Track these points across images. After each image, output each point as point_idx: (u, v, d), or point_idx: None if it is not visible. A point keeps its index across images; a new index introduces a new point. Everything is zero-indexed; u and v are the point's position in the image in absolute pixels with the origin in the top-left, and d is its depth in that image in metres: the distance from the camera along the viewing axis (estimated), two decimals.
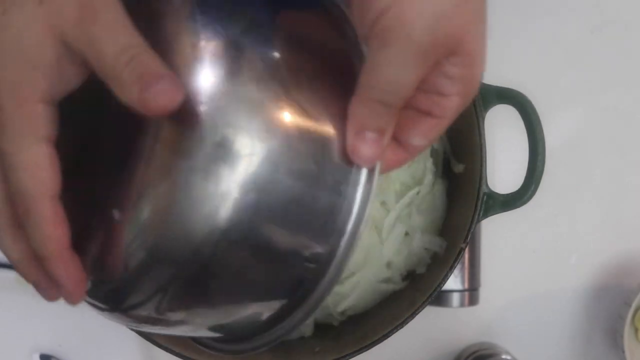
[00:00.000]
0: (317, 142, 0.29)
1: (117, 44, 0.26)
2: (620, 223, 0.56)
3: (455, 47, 0.28)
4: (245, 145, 0.28)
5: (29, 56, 0.27)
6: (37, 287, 0.29)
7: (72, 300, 0.29)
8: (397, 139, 0.30)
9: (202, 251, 0.28)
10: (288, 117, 0.29)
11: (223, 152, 0.28)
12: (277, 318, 0.32)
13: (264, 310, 0.32)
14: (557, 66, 0.56)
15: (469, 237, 0.45)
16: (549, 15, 0.56)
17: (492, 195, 0.45)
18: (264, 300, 0.31)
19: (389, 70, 0.27)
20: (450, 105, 0.29)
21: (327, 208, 0.29)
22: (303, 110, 0.29)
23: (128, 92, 0.26)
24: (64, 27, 0.27)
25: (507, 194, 0.45)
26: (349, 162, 0.29)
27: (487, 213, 0.45)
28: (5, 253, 0.29)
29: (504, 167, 0.53)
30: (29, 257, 0.29)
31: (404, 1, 0.26)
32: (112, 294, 0.31)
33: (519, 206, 0.44)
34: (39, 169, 0.27)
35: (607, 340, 0.55)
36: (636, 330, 0.52)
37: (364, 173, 0.30)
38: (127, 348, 0.53)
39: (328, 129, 0.30)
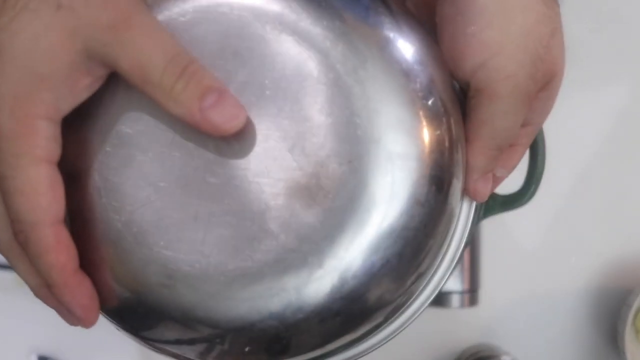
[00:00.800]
0: (442, 170, 0.28)
1: (162, 52, 0.25)
2: (620, 224, 0.55)
3: (547, 83, 0.29)
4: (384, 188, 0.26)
5: (38, 65, 0.25)
6: (59, 313, 0.28)
7: (84, 325, 0.28)
8: None
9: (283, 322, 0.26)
10: (433, 136, 0.27)
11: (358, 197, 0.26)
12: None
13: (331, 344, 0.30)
14: None
15: (469, 237, 0.45)
16: None
17: (491, 195, 0.44)
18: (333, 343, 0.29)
19: (504, 121, 0.28)
20: (527, 133, 0.31)
21: (437, 242, 0.29)
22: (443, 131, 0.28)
23: (185, 108, 0.24)
24: (90, 32, 0.24)
25: (507, 195, 0.44)
26: (455, 202, 0.30)
27: (486, 213, 0.45)
28: (23, 280, 0.28)
29: None
30: (44, 284, 0.27)
31: (501, 53, 0.27)
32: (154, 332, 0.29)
33: (519, 206, 0.44)
34: (36, 193, 0.25)
35: (607, 342, 0.55)
36: (637, 331, 0.52)
37: (466, 203, 0.31)
38: (125, 349, 0.53)
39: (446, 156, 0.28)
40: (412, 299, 0.30)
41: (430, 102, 0.27)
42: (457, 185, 0.29)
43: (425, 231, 0.27)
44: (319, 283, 0.26)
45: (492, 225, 0.53)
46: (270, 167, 0.26)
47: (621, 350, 0.51)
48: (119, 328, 0.30)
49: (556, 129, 0.55)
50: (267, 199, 0.26)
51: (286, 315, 0.26)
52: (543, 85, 0.28)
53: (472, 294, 0.52)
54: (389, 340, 0.31)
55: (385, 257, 0.26)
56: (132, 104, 0.27)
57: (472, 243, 0.52)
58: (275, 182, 0.26)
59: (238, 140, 0.26)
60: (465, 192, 0.30)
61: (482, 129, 0.29)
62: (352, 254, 0.26)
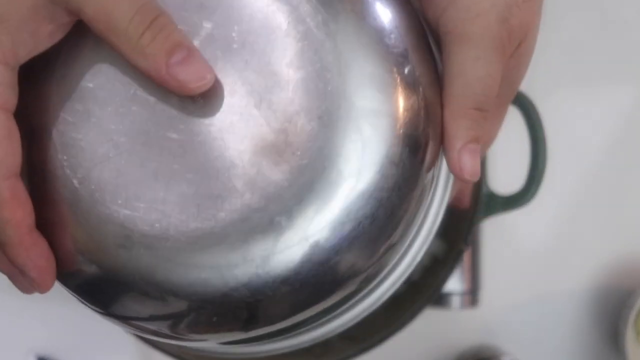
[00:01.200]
0: (419, 139, 0.26)
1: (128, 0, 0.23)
2: (622, 224, 0.55)
3: (517, 47, 0.26)
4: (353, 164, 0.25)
5: None
6: (12, 279, 0.27)
7: (39, 290, 0.26)
8: None
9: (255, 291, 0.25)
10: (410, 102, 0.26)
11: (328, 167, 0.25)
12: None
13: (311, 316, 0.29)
14: (558, 65, 0.55)
15: (470, 238, 0.44)
16: (549, 14, 0.55)
17: (492, 195, 0.45)
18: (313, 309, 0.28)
19: (477, 69, 0.26)
20: (495, 104, 0.27)
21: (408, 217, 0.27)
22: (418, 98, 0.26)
23: (151, 61, 0.24)
24: None
25: (508, 195, 0.44)
26: (430, 166, 0.27)
27: (487, 214, 0.45)
28: None
29: (505, 167, 0.52)
30: None
31: None
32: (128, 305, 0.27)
33: (520, 207, 0.44)
34: None
35: (608, 343, 0.55)
36: (638, 333, 0.51)
37: (444, 176, 0.29)
38: (124, 350, 0.53)
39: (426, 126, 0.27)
40: (385, 271, 0.29)
41: (403, 60, 0.26)
42: (432, 149, 0.27)
43: (400, 193, 0.26)
44: (287, 245, 0.25)
45: (492, 226, 0.53)
46: (235, 123, 0.25)
47: (622, 351, 0.51)
48: (80, 300, 0.28)
49: (558, 128, 0.55)
50: (232, 156, 0.25)
51: (252, 279, 0.25)
52: (516, 43, 0.26)
53: (472, 295, 0.52)
54: (365, 314, 0.30)
55: (356, 218, 0.25)
56: (93, 58, 0.26)
57: (473, 244, 0.52)
58: (241, 139, 0.25)
59: (202, 95, 0.25)
60: (451, 169, 0.27)
61: (454, 83, 0.26)
62: (322, 214, 0.25)
